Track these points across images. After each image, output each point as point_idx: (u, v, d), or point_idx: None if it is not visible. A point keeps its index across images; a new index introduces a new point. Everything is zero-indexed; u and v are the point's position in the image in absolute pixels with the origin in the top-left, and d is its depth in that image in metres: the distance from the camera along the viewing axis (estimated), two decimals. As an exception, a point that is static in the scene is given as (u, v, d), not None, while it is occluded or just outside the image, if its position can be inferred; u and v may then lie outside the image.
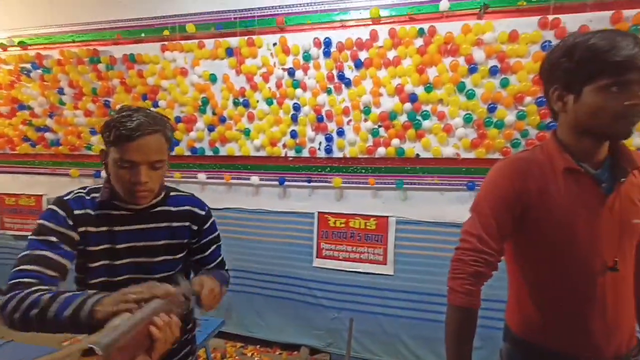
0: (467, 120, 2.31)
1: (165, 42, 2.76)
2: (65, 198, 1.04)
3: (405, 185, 2.47)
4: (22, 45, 3.08)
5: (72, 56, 2.95)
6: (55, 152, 3.14)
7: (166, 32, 2.73)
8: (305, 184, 2.66)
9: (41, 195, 3.26)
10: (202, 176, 2.85)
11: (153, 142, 0.96)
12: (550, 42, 2.11)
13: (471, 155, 2.35)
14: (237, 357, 2.74)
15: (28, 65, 3.10)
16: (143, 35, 2.81)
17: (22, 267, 0.90)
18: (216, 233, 1.26)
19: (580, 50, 0.87)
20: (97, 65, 2.91)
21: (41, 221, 0.99)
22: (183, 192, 1.22)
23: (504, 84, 2.23)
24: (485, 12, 2.20)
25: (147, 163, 0.97)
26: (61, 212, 1.00)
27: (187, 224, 1.15)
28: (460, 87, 2.30)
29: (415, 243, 2.48)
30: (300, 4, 2.51)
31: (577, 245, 0.94)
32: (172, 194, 1.17)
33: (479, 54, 2.24)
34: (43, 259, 0.92)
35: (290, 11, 2.53)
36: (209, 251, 1.24)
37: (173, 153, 2.87)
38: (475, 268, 0.97)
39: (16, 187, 3.33)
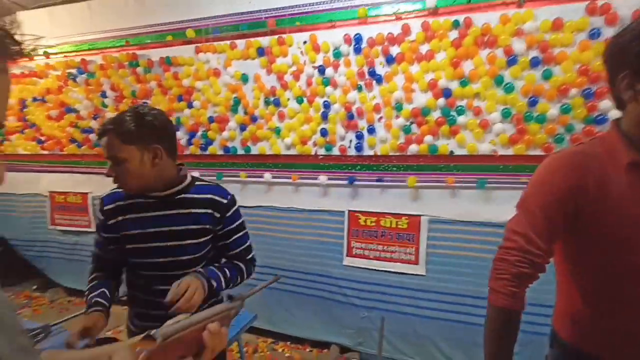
0: (506, 115, 2.20)
1: (199, 44, 2.83)
2: (103, 196, 1.28)
3: (438, 184, 2.39)
4: (68, 52, 3.27)
5: (113, 61, 3.10)
6: (99, 152, 3.32)
7: (190, 33, 2.79)
8: (336, 181, 2.64)
9: (87, 193, 3.46)
10: (242, 174, 2.89)
11: (106, 142, 1.11)
12: (599, 29, 1.95)
13: (509, 151, 2.23)
14: (268, 353, 2.79)
15: (74, 71, 3.29)
16: (171, 37, 2.90)
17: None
18: (239, 221, 1.34)
19: None
20: (136, 69, 3.04)
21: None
22: (208, 182, 1.32)
23: (547, 75, 2.10)
24: (525, 0, 2.08)
25: (110, 159, 1.13)
26: (98, 208, 1.29)
27: (209, 211, 1.24)
28: (498, 81, 2.19)
29: (449, 243, 2.40)
30: (328, 1, 2.48)
31: (636, 245, 0.86)
32: (197, 183, 1.28)
33: (518, 45, 2.12)
34: (96, 245, 1.33)
35: (320, 9, 2.52)
36: (232, 239, 1.32)
37: (207, 152, 2.95)
38: (520, 269, 0.91)
39: (65, 185, 3.56)
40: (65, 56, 3.29)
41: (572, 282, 1.00)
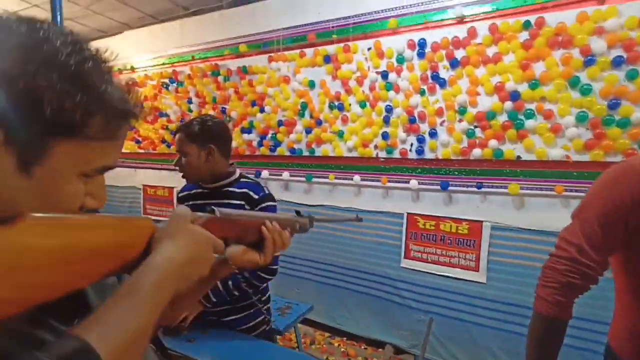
0: (581, 119, 2.07)
1: (272, 54, 3.08)
2: (182, 186, 1.61)
3: (501, 189, 2.32)
4: (162, 64, 3.77)
5: (198, 71, 3.50)
6: (184, 151, 3.76)
7: (243, 48, 3.03)
8: (396, 184, 2.68)
9: (173, 188, 3.93)
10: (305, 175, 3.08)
11: (178, 138, 1.46)
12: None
13: (585, 157, 2.09)
14: (324, 346, 2.91)
15: (167, 80, 3.77)
16: (246, 48, 3.18)
17: None
18: None
19: None
20: (217, 78, 3.40)
21: None
22: (251, 179, 1.55)
23: (632, 76, 1.94)
24: (606, -4, 1.95)
25: (178, 152, 1.46)
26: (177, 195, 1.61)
27: (242, 202, 1.46)
28: (574, 82, 2.07)
29: (512, 251, 2.31)
30: (393, 8, 2.55)
31: None
32: (242, 180, 1.52)
33: (598, 44, 1.99)
34: None
35: (384, 16, 2.60)
36: None
37: (276, 153, 3.18)
38: (569, 279, 0.90)
39: (156, 180, 4.08)
40: (162, 67, 3.79)
41: (631, 297, 0.96)
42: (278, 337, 2.08)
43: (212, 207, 0.61)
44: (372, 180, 2.76)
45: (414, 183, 2.61)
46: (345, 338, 2.96)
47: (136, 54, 3.94)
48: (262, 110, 3.19)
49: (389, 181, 2.70)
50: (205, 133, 1.44)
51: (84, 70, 0.42)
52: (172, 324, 1.30)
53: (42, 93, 0.38)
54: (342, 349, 2.85)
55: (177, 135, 1.47)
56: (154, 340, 0.63)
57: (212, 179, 1.50)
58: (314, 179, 3.03)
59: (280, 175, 3.16)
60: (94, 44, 0.45)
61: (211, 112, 3.49)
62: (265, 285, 1.56)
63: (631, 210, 0.86)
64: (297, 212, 0.83)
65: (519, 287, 2.27)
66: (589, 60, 2.02)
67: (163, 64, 3.78)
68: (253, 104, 3.25)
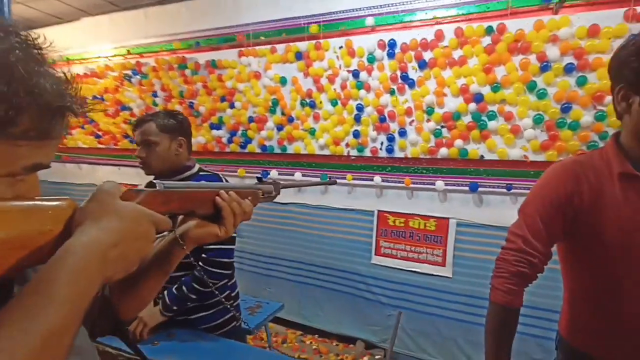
0: (537, 121, 2.21)
1: (242, 48, 3.03)
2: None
3: (466, 187, 2.43)
4: (125, 54, 3.60)
5: (164, 63, 3.37)
6: (148, 147, 3.61)
7: (239, 38, 2.98)
8: (366, 182, 2.73)
9: (137, 185, 3.75)
10: (274, 172, 3.06)
11: (145, 128, 1.42)
12: (636, 36, 1.93)
13: (541, 157, 2.24)
14: (296, 344, 2.92)
15: (129, 72, 3.60)
16: (216, 42, 3.12)
17: None
18: None
19: None
20: (184, 71, 3.29)
21: None
22: (210, 172, 1.54)
23: (581, 82, 2.09)
24: (561, 6, 2.09)
25: (143, 143, 1.42)
26: None
27: None
28: (531, 86, 2.21)
29: (476, 247, 2.43)
30: (364, 8, 2.59)
31: (633, 253, 0.91)
32: (200, 173, 1.51)
33: (552, 51, 2.13)
34: None
35: (356, 15, 2.63)
36: None
37: (246, 150, 3.14)
38: (518, 268, 0.98)
39: (117, 177, 3.89)
40: (125, 58, 3.61)
41: (575, 287, 1.05)
42: (249, 336, 2.06)
43: (153, 180, 0.55)
44: (344, 178, 2.79)
45: (377, 180, 2.67)
46: (316, 335, 2.99)
47: (95, 42, 3.73)
48: (232, 106, 3.14)
49: (360, 179, 2.75)
50: (178, 125, 1.47)
51: (9, 60, 0.37)
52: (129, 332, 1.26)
53: None
54: (314, 347, 2.87)
55: (145, 125, 1.44)
56: (135, 350, 0.59)
57: (171, 173, 1.48)
58: (285, 177, 3.02)
59: (254, 174, 3.13)
60: (48, 31, 0.41)
61: (178, 107, 3.38)
62: (226, 281, 1.54)
63: (565, 204, 0.95)
64: (259, 179, 0.77)
65: (482, 281, 2.39)
66: (545, 66, 2.16)
67: (126, 54, 3.60)
68: (222, 99, 3.18)
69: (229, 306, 1.55)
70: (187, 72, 3.29)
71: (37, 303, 0.34)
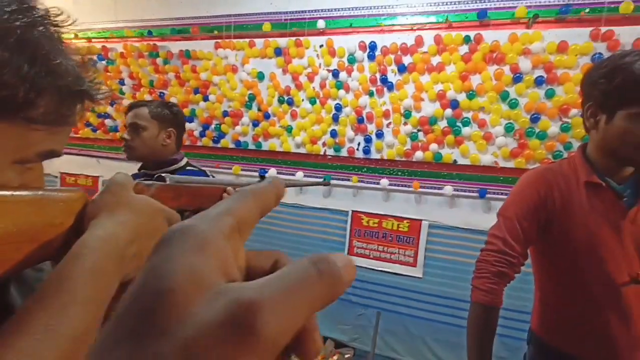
0: (508, 129, 2.31)
1: (219, 40, 2.94)
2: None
3: (440, 191, 2.50)
4: (89, 38, 3.38)
5: (133, 50, 3.20)
6: (113, 137, 3.42)
7: (226, 29, 2.88)
8: (342, 182, 2.74)
9: (98, 177, 3.55)
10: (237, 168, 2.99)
11: (137, 112, 1.41)
12: (601, 54, 2.07)
13: (510, 164, 2.34)
14: (265, 343, 2.87)
15: (94, 57, 3.38)
16: (192, 31, 3.01)
17: None
18: None
19: (621, 75, 0.89)
20: (156, 60, 3.14)
21: None
22: (197, 167, 1.51)
23: (550, 94, 2.21)
24: (534, 21, 2.19)
25: (131, 126, 1.40)
26: None
27: None
28: (504, 96, 2.30)
29: (446, 248, 2.50)
30: (348, 8, 2.59)
31: (598, 256, 0.98)
32: (188, 168, 1.49)
33: (525, 64, 2.23)
34: None
35: (338, 14, 2.63)
36: None
37: (219, 145, 3.05)
38: (499, 268, 1.03)
39: (76, 167, 3.65)
40: (89, 41, 3.39)
41: (546, 287, 1.12)
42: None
43: (162, 174, 0.54)
44: (320, 178, 2.78)
45: (354, 180, 2.69)
46: (285, 334, 2.95)
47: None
48: (205, 99, 3.03)
49: (336, 179, 2.75)
50: (172, 116, 1.45)
51: (32, 36, 0.34)
52: None
53: None
54: (283, 345, 2.83)
55: (138, 109, 1.44)
56: None
57: (156, 165, 1.43)
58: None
59: (227, 169, 3.04)
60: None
61: (147, 97, 3.22)
62: None
63: (540, 208, 1.02)
64: (262, 177, 0.75)
65: (451, 282, 2.47)
66: (517, 77, 2.26)
67: (90, 38, 3.38)
68: (196, 91, 3.07)
69: None
70: (159, 61, 3.14)
71: (62, 302, 0.31)
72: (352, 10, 2.58)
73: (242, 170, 3.01)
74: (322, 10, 2.66)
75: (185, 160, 1.52)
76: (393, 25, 2.50)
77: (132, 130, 1.42)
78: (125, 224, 0.39)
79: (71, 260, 0.34)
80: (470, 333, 1.06)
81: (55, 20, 0.37)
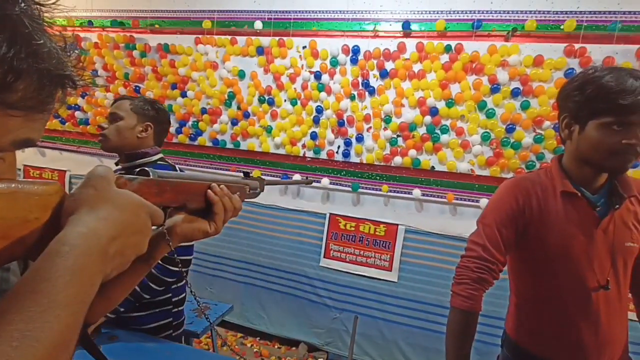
0: (485, 138, 2.36)
1: (200, 35, 2.86)
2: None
3: (417, 196, 2.53)
4: (62, 26, 3.22)
5: (109, 41, 3.08)
6: (83, 130, 3.27)
7: (207, 24, 2.81)
8: (321, 184, 2.72)
9: (65, 171, 3.38)
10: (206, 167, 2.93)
11: (120, 102, 1.43)
12: (574, 69, 2.15)
13: (486, 172, 2.40)
14: (236, 347, 2.81)
15: (76, 39, 3.23)
16: (172, 25, 2.92)
17: None
18: None
19: (591, 87, 0.94)
20: (132, 52, 3.03)
21: None
22: (169, 163, 1.48)
23: (525, 106, 2.28)
24: (513, 35, 2.26)
25: (111, 115, 1.41)
26: None
27: None
28: (481, 106, 2.36)
29: (422, 253, 2.53)
30: (332, 11, 2.59)
31: (572, 263, 1.01)
32: (159, 162, 1.47)
33: (502, 75, 2.29)
34: None
35: (322, 16, 2.62)
36: None
37: (196, 143, 2.97)
38: (479, 274, 1.04)
39: (42, 160, 3.47)
40: (63, 29, 3.22)
41: (521, 292, 1.15)
42: (195, 339, 1.93)
43: (145, 167, 0.50)
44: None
45: (325, 182, 2.70)
46: (258, 338, 2.90)
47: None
48: (183, 95, 2.95)
49: (314, 181, 2.72)
50: (153, 113, 1.44)
51: (12, 13, 0.31)
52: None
53: None
54: (255, 349, 2.78)
55: (120, 101, 1.44)
56: (93, 350, 0.50)
57: (127, 157, 1.42)
58: (237, 174, 2.91)
59: (203, 168, 2.97)
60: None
61: (121, 89, 3.10)
62: (176, 283, 1.42)
63: (518, 216, 1.05)
64: (246, 174, 0.73)
65: (425, 286, 2.50)
66: (495, 88, 2.32)
67: (62, 25, 3.23)
68: (173, 86, 2.98)
69: (170, 311, 1.43)
70: (135, 53, 3.03)
71: (39, 304, 0.28)
72: (337, 13, 2.58)
73: (219, 170, 2.94)
74: (306, 11, 2.65)
75: (159, 155, 1.47)
76: (377, 30, 2.51)
77: (110, 120, 1.42)
78: (107, 220, 0.36)
79: (49, 259, 0.31)
80: (449, 338, 1.07)
81: None
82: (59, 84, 0.36)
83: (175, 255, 0.70)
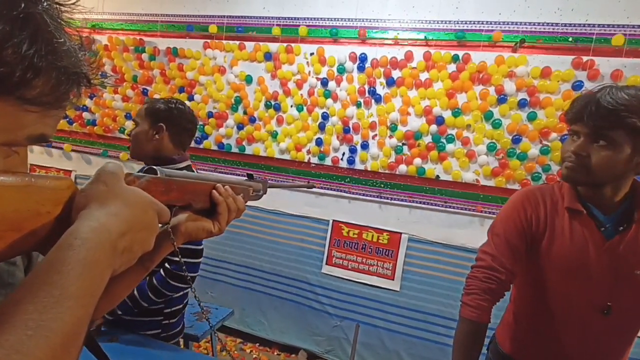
0: (491, 148, 2.35)
1: (208, 40, 2.89)
2: None
3: (421, 205, 2.51)
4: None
5: (119, 43, 3.11)
6: (90, 131, 3.30)
7: (213, 29, 2.84)
8: (325, 191, 2.72)
9: (71, 171, 3.40)
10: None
11: (140, 109, 1.44)
12: (582, 82, 2.15)
13: (491, 183, 2.39)
14: (235, 352, 2.79)
15: (93, 38, 3.26)
16: (180, 29, 2.95)
17: None
18: None
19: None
20: (141, 55, 3.06)
21: None
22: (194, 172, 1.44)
23: (532, 117, 2.27)
24: (521, 46, 2.26)
25: (133, 121, 1.44)
26: None
27: None
28: (488, 116, 2.35)
29: (425, 262, 2.51)
30: (340, 19, 2.61)
31: (570, 283, 1.00)
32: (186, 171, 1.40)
33: (509, 86, 2.29)
34: None
35: (330, 24, 2.64)
36: None
37: (201, 146, 2.98)
38: (488, 285, 1.03)
39: (49, 160, 3.49)
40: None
41: (519, 302, 1.15)
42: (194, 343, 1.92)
43: (152, 166, 0.51)
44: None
45: (336, 190, 2.68)
46: (258, 344, 2.88)
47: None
48: (191, 98, 2.97)
49: (318, 187, 2.73)
50: (165, 113, 1.39)
51: (35, 12, 0.32)
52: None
53: None
54: (255, 355, 2.76)
55: (142, 106, 1.45)
56: (96, 351, 0.50)
57: (153, 163, 1.37)
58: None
59: (208, 171, 2.97)
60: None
61: (129, 92, 3.13)
62: (179, 293, 1.41)
63: (527, 226, 1.05)
64: (249, 176, 0.74)
65: (428, 296, 2.47)
66: (502, 98, 2.32)
67: (78, 25, 3.26)
68: (181, 90, 3.00)
69: (161, 322, 1.41)
70: (144, 56, 3.06)
71: (52, 295, 0.29)
72: (344, 21, 2.60)
73: (224, 174, 2.95)
74: (314, 18, 2.67)
75: (186, 163, 1.43)
76: (384, 39, 2.52)
77: (134, 126, 1.43)
78: (117, 216, 0.37)
79: (62, 251, 0.32)
80: (456, 348, 1.06)
81: None
82: (75, 81, 0.37)
83: (186, 273, 0.71)
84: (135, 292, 1.26)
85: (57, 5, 0.35)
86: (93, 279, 0.33)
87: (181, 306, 1.48)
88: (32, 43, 0.31)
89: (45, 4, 0.33)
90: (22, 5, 0.30)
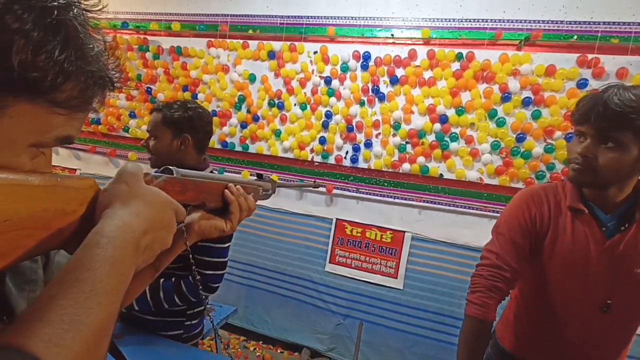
0: (495, 147, 2.35)
1: (212, 39, 2.90)
2: None
3: (425, 204, 2.51)
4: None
5: (123, 42, 3.12)
6: (94, 130, 3.31)
7: (224, 28, 2.85)
8: (327, 189, 2.72)
9: (75, 170, 3.42)
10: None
11: (153, 117, 1.34)
12: (586, 80, 2.13)
13: (494, 181, 2.38)
14: (239, 350, 2.80)
15: (115, 43, 3.28)
16: (182, 28, 2.96)
17: None
18: None
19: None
20: (145, 54, 3.07)
21: None
22: None
23: (536, 115, 2.26)
24: (525, 44, 2.25)
25: (149, 133, 1.34)
26: None
27: None
28: (492, 114, 2.34)
29: (428, 261, 2.51)
30: (343, 17, 2.60)
31: (571, 281, 1.01)
32: None
33: (513, 84, 2.28)
34: None
35: (333, 22, 2.63)
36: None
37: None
38: (492, 282, 1.03)
39: (55, 159, 3.45)
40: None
41: (520, 299, 1.16)
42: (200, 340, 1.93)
43: (169, 166, 0.52)
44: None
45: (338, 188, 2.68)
46: (261, 342, 2.89)
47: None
48: (194, 97, 2.98)
49: (322, 186, 2.72)
50: (184, 121, 1.31)
51: (67, 18, 0.33)
52: None
53: (12, 37, 0.30)
54: (258, 353, 2.77)
55: (154, 114, 1.34)
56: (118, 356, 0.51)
57: None
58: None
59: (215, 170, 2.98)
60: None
61: (133, 91, 3.15)
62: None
63: (531, 225, 1.05)
64: (259, 176, 0.75)
65: (431, 295, 2.47)
66: (506, 96, 2.31)
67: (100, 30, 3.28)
68: (185, 88, 3.01)
69: (183, 323, 1.41)
70: (148, 55, 3.07)
71: (83, 291, 0.31)
72: (349, 19, 2.59)
73: (227, 173, 2.96)
74: (318, 17, 2.66)
75: (209, 169, 1.41)
76: (387, 37, 2.52)
77: (150, 137, 1.35)
78: (139, 215, 0.39)
79: (90, 249, 0.33)
80: (462, 346, 1.06)
81: (86, 3, 0.36)
82: (101, 85, 0.38)
83: (212, 284, 0.72)
84: (161, 294, 1.26)
85: (85, 12, 0.36)
86: (120, 276, 0.34)
87: (202, 307, 1.48)
88: (64, 49, 0.33)
89: (75, 10, 0.34)
90: (55, 12, 0.32)
